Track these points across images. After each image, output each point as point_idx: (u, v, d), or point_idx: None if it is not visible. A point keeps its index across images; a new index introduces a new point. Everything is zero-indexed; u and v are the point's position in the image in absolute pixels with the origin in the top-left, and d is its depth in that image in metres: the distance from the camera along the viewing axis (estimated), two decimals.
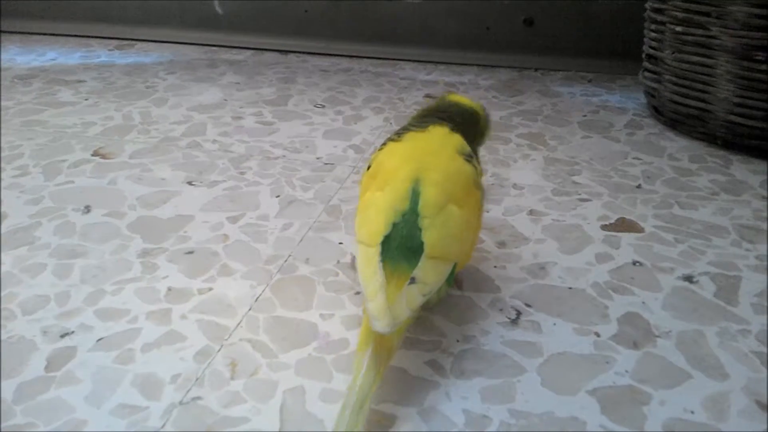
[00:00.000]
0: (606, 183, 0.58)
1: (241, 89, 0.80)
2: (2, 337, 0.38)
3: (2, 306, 0.40)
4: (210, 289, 0.43)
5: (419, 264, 0.34)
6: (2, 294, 0.41)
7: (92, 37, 0.95)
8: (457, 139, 0.40)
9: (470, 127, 0.44)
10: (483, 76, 0.89)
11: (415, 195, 0.36)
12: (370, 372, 0.32)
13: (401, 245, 0.35)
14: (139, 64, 0.88)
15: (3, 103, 0.73)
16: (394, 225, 0.36)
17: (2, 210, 0.51)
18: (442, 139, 0.40)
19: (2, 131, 0.66)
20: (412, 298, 0.33)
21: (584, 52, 0.92)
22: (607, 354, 0.37)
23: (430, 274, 0.34)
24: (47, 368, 0.36)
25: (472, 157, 0.40)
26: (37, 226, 0.49)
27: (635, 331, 0.39)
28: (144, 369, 0.36)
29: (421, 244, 0.35)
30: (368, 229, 0.36)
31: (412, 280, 0.34)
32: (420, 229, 0.35)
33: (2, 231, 0.48)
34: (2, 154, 0.61)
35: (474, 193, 0.39)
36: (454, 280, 0.43)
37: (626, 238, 0.49)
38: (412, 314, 0.33)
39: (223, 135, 0.67)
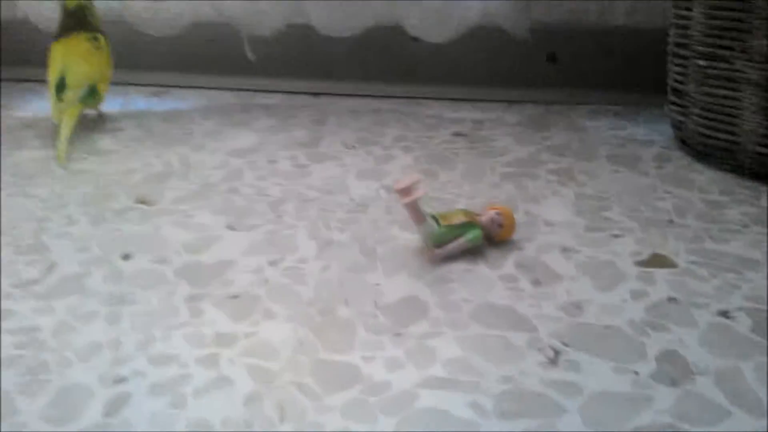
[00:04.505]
0: (637, 218, 0.59)
1: (275, 133, 0.82)
2: (60, 384, 0.40)
3: (59, 353, 0.42)
4: (255, 333, 0.44)
5: (65, 93, 0.79)
6: (58, 340, 0.43)
7: (130, 84, 0.99)
8: (85, 35, 0.84)
9: (85, 16, 0.85)
10: (509, 112, 0.90)
11: (65, 67, 0.81)
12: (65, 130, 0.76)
13: (61, 87, 0.80)
14: (176, 111, 0.91)
15: (47, 152, 0.77)
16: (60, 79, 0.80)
17: (54, 258, 0.54)
18: (79, 37, 0.84)
19: (48, 180, 0.69)
20: (59, 105, 0.80)
21: (609, 85, 0.93)
22: (646, 392, 0.38)
23: (70, 95, 0.79)
24: (105, 414, 0.37)
25: (95, 38, 0.84)
26: (87, 275, 0.51)
27: (673, 369, 0.39)
28: (196, 413, 0.37)
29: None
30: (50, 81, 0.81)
31: (61, 101, 0.79)
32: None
33: (55, 280, 0.51)
34: (49, 204, 0.63)
35: (94, 52, 0.83)
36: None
37: (660, 273, 0.50)
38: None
39: (260, 179, 0.69)
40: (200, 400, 0.38)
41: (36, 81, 1.06)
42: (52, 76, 0.82)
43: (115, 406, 0.38)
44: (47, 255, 0.54)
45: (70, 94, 0.80)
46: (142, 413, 0.37)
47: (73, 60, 0.82)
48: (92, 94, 0.84)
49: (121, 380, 0.40)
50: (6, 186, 0.68)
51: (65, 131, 0.77)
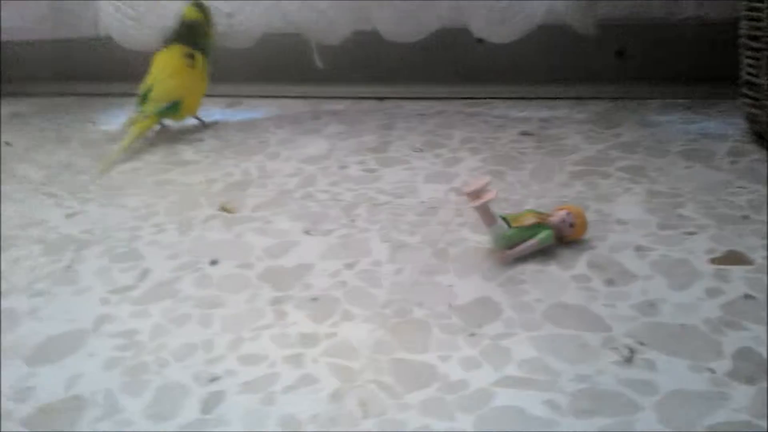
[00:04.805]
0: (711, 214, 0.58)
1: (344, 138, 0.85)
2: (160, 383, 0.43)
3: (157, 355, 0.46)
4: (335, 333, 0.46)
5: (146, 104, 0.86)
6: (155, 343, 0.47)
7: (206, 95, 1.03)
8: (183, 49, 0.89)
9: (195, 34, 0.90)
10: (577, 109, 0.90)
11: (155, 79, 0.87)
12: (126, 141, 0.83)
13: (146, 97, 0.86)
14: (251, 120, 0.95)
15: (135, 164, 0.81)
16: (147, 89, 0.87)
17: (147, 265, 0.57)
18: (176, 50, 0.89)
19: (137, 191, 0.73)
20: (135, 116, 0.86)
21: (679, 78, 0.92)
22: (722, 390, 0.38)
23: (149, 106, 0.86)
24: (201, 411, 0.40)
25: (191, 55, 0.89)
26: (178, 280, 0.55)
27: (750, 367, 0.40)
28: (285, 410, 0.40)
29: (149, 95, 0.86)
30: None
31: (141, 111, 0.86)
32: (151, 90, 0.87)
33: (149, 285, 0.54)
34: (139, 213, 0.68)
35: (185, 69, 0.88)
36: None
37: (736, 271, 0.49)
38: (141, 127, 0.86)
39: (332, 184, 0.71)
40: (288, 397, 0.41)
41: (119, 95, 1.12)
42: (143, 85, 0.88)
43: (210, 403, 0.41)
44: (140, 262, 0.58)
45: (149, 107, 0.86)
46: (235, 410, 0.40)
47: (162, 74, 0.88)
48: (174, 109, 0.88)
49: (214, 379, 0.43)
50: (98, 197, 0.73)
51: (126, 141, 0.83)
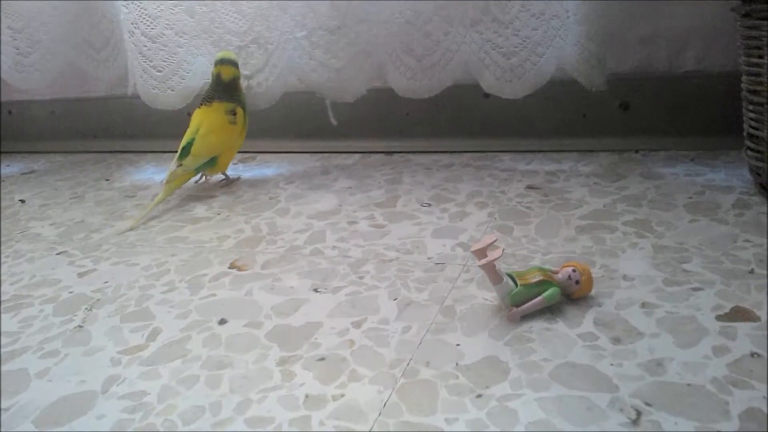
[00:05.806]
0: (717, 269, 0.58)
1: (353, 193, 0.86)
2: None
3: (165, 417, 0.46)
4: (342, 395, 0.47)
5: (186, 158, 0.88)
6: (164, 405, 0.47)
7: None
8: (225, 105, 0.91)
9: (233, 89, 0.92)
10: (583, 162, 0.91)
11: (197, 134, 0.89)
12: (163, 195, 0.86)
13: (185, 151, 0.88)
14: (262, 176, 0.97)
15: (148, 222, 0.83)
16: (187, 143, 0.89)
17: (157, 324, 0.58)
18: (219, 107, 0.91)
19: (148, 249, 0.75)
20: (175, 170, 0.87)
21: (684, 130, 0.93)
22: None
23: (190, 161, 0.88)
24: None
25: (233, 111, 0.91)
26: (187, 340, 0.55)
27: (758, 428, 0.39)
28: None
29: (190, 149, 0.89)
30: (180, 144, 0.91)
31: (180, 165, 0.88)
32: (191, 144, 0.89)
33: (159, 345, 0.55)
34: (151, 272, 0.69)
35: (226, 126, 0.91)
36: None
37: (742, 328, 0.49)
38: (178, 177, 0.88)
39: (341, 240, 0.72)
40: None
41: (134, 152, 1.15)
42: (184, 140, 0.90)
43: None
44: (151, 321, 0.59)
45: (189, 161, 0.88)
46: None
47: (204, 130, 0.90)
48: (211, 163, 0.92)
49: None
50: (110, 255, 0.74)
51: (162, 195, 0.86)
